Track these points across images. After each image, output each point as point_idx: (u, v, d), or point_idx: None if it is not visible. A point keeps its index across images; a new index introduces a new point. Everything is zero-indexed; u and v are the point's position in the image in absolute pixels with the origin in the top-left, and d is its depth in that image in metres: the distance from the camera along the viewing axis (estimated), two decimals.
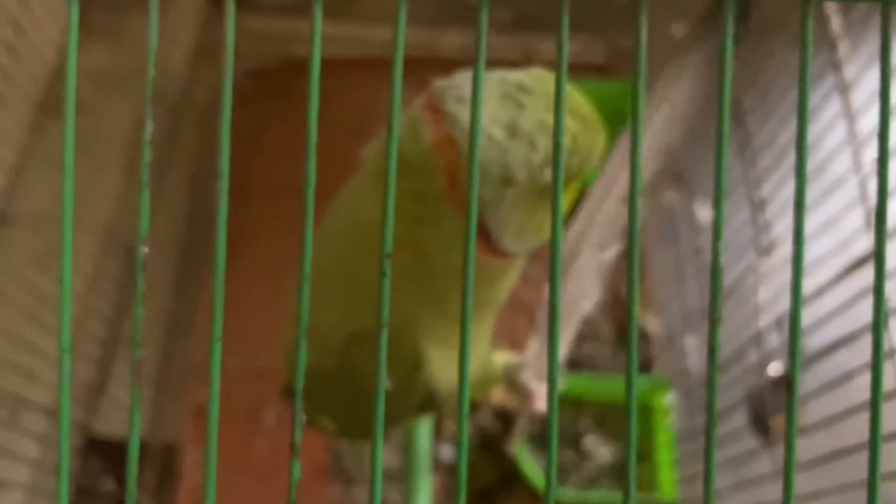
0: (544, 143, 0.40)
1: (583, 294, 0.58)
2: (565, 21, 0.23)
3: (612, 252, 0.56)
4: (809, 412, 0.60)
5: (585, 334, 0.90)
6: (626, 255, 0.26)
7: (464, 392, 0.25)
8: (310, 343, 0.52)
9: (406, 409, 0.54)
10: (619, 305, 0.96)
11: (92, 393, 0.93)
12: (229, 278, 0.99)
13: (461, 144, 0.41)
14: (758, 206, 0.66)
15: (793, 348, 0.24)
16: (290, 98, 1.13)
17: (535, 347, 0.63)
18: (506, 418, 0.92)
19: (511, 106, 0.40)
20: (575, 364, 0.92)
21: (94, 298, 0.94)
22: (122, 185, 1.01)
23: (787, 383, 0.25)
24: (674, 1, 0.68)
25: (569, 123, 0.40)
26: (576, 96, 0.42)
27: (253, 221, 1.05)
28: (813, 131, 0.60)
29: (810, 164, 0.60)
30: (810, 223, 0.60)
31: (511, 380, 0.63)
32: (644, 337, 0.96)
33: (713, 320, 0.22)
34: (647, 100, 0.48)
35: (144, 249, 0.23)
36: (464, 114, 0.40)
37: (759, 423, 0.62)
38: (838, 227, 0.55)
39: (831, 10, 0.60)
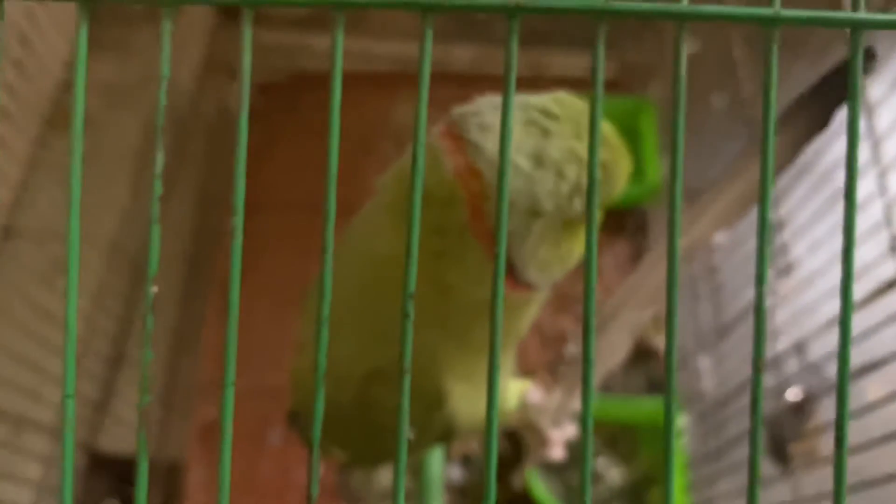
0: (573, 172, 0.39)
1: (612, 350, 0.57)
2: (601, 48, 0.22)
3: (650, 312, 0.55)
4: (827, 442, 0.58)
5: None
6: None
7: (491, 445, 0.24)
8: (326, 376, 0.51)
9: (423, 444, 0.53)
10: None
11: (96, 411, 0.92)
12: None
13: (485, 175, 0.39)
14: (775, 226, 0.64)
15: (842, 357, 0.22)
16: (298, 112, 1.13)
17: (557, 395, 0.61)
18: (516, 442, 0.91)
19: (536, 133, 0.39)
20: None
21: (98, 316, 0.93)
22: (128, 199, 1.00)
23: (836, 397, 0.23)
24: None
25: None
26: (603, 122, 0.41)
27: (259, 237, 1.04)
28: (835, 152, 0.59)
29: (831, 187, 0.59)
30: (832, 246, 0.58)
31: (528, 419, 0.62)
32: (655, 357, 0.95)
33: (757, 368, 0.21)
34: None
35: (154, 289, 0.22)
36: (488, 142, 0.39)
37: (777, 450, 0.60)
38: (861, 252, 0.53)
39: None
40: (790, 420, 0.59)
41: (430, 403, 0.48)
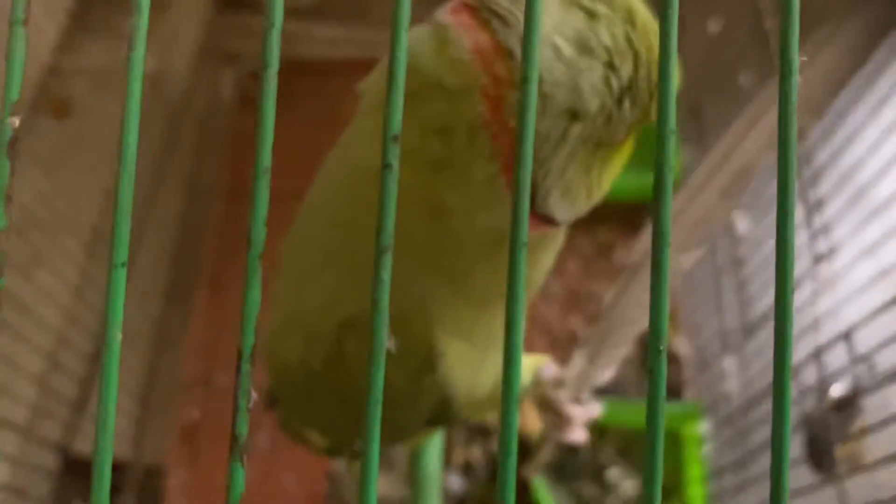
0: (627, 67, 0.31)
1: (647, 305, 0.48)
2: None
3: (690, 258, 0.46)
4: (873, 445, 0.52)
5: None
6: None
7: (511, 409, 0.17)
8: (294, 335, 0.43)
9: (413, 420, 0.43)
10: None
11: (73, 411, 0.86)
12: (223, 288, 0.90)
13: (516, 55, 0.30)
14: (814, 206, 0.58)
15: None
16: (294, 99, 1.07)
17: (578, 362, 0.52)
18: (523, 447, 0.84)
19: (581, 15, 0.31)
20: (604, 389, 0.85)
21: (79, 309, 0.87)
22: (111, 186, 0.94)
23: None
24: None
25: (655, 49, 0.29)
26: (649, 16, 0.32)
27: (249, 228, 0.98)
28: (855, 152, 0.54)
29: (880, 159, 0.53)
30: (881, 224, 0.52)
31: (543, 396, 0.53)
32: (673, 360, 0.88)
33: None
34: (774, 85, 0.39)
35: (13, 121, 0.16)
36: (522, 15, 0.30)
37: (820, 454, 0.54)
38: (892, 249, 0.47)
39: None
40: (835, 419, 0.53)
41: (420, 365, 0.39)
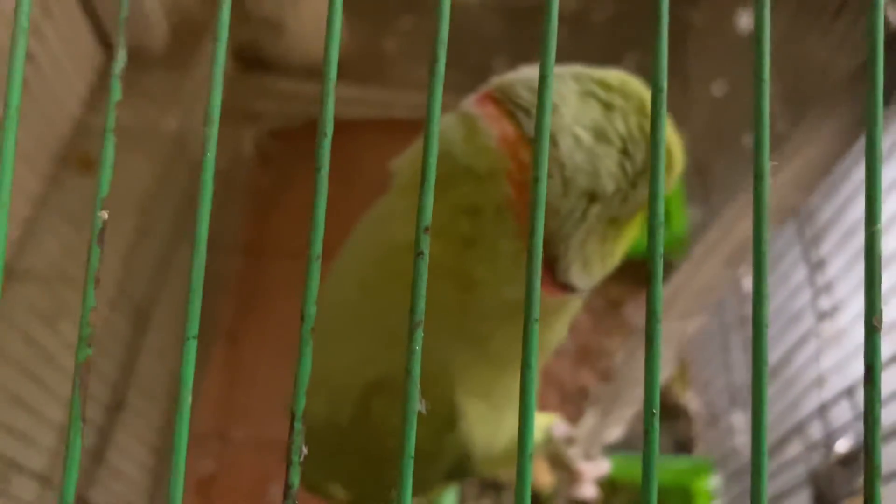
0: (640, 152, 0.34)
1: None
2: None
3: (695, 323, 0.48)
4: (886, 497, 0.53)
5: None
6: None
7: (525, 471, 0.19)
8: (320, 393, 0.45)
9: (433, 474, 0.45)
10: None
11: (91, 460, 0.87)
12: (238, 342, 0.93)
13: None
14: (817, 265, 0.60)
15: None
16: (311, 158, 1.11)
17: (589, 421, 0.54)
18: (534, 501, 0.85)
19: (597, 106, 0.34)
20: (615, 445, 0.86)
21: (98, 358, 0.89)
22: (133, 242, 0.97)
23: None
24: (818, 63, 0.64)
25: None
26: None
27: (267, 283, 1.01)
28: (857, 211, 0.56)
29: (854, 246, 0.55)
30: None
31: (555, 453, 0.54)
32: (684, 415, 0.89)
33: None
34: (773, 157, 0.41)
35: (103, 215, 0.19)
36: None
37: None
38: None
39: None
40: (840, 475, 0.54)
41: (441, 423, 0.41)
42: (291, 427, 0.16)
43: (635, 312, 0.97)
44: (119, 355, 0.91)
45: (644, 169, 0.34)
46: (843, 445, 0.55)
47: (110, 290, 0.92)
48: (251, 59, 1.21)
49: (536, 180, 0.17)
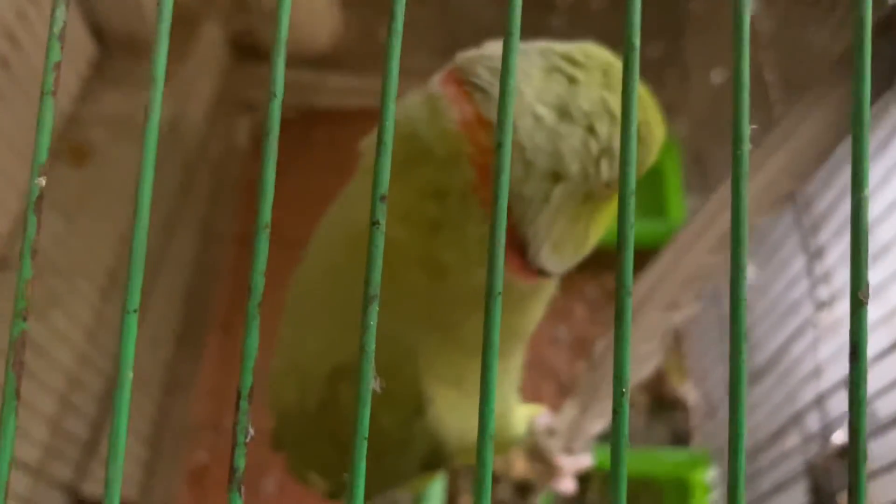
0: (604, 129, 0.33)
1: (641, 359, 0.48)
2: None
3: (682, 314, 0.47)
4: (877, 492, 0.52)
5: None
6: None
7: (485, 449, 0.18)
8: (291, 380, 0.44)
9: (407, 464, 0.44)
10: (654, 373, 0.89)
11: (84, 452, 0.87)
12: (233, 332, 0.92)
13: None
14: (815, 254, 0.59)
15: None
16: (307, 147, 1.10)
17: (570, 412, 0.53)
18: (527, 492, 0.84)
19: (561, 81, 0.33)
20: (603, 435, 0.85)
21: (92, 351, 0.88)
22: (128, 234, 0.96)
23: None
24: (817, 49, 0.63)
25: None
26: (617, 68, 0.34)
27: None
28: (877, 172, 0.55)
29: (877, 207, 0.54)
30: (880, 271, 0.53)
31: (535, 446, 0.53)
32: (681, 407, 0.88)
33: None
34: (763, 145, 0.40)
35: (41, 181, 0.18)
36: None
37: (823, 502, 0.54)
38: None
39: None
40: (838, 467, 0.53)
41: (410, 410, 0.40)
42: (237, 406, 0.15)
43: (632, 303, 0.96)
44: (111, 347, 0.90)
45: (609, 147, 0.33)
46: (840, 437, 0.54)
47: (103, 280, 0.91)
48: (247, 49, 1.20)
49: (499, 146, 0.16)
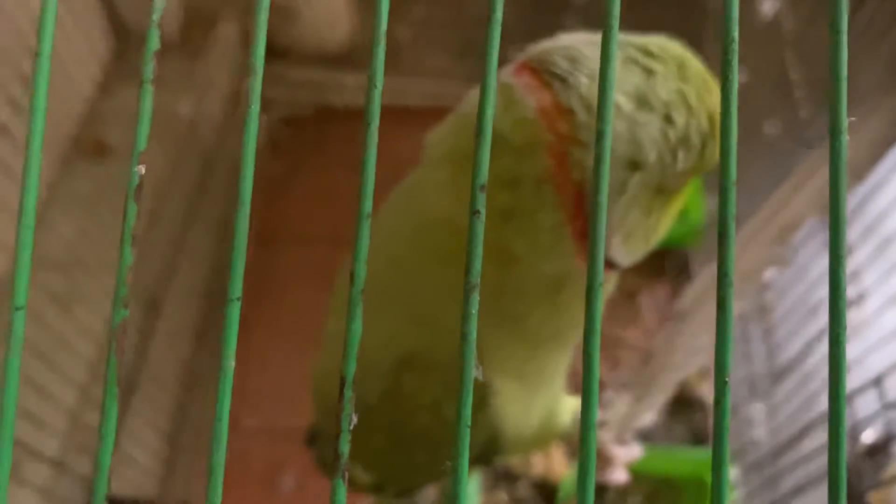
0: (681, 119, 0.33)
1: (694, 351, 0.48)
2: None
3: (740, 307, 0.47)
4: None
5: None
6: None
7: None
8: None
9: None
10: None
11: None
12: (250, 329, 0.92)
13: (577, 114, 0.32)
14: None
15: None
16: (323, 146, 1.10)
17: (623, 405, 0.53)
18: (547, 492, 0.84)
19: (638, 72, 0.33)
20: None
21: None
22: (146, 229, 0.97)
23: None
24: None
25: (706, 100, 0.33)
26: (700, 66, 0.34)
27: (279, 270, 1.00)
28: (881, 201, 0.55)
29: (879, 236, 0.54)
30: None
31: None
32: (699, 407, 0.88)
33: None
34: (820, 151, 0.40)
35: (140, 169, 0.18)
36: (581, 76, 0.32)
37: (853, 501, 0.54)
38: None
39: None
40: (867, 466, 0.53)
41: (474, 401, 0.40)
42: (341, 394, 0.15)
43: (649, 304, 0.96)
44: (131, 339, 0.91)
45: (685, 136, 0.33)
46: (869, 436, 0.54)
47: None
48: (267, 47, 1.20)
49: (601, 134, 0.16)
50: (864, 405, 0.55)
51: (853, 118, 0.17)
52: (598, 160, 0.16)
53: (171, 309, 0.96)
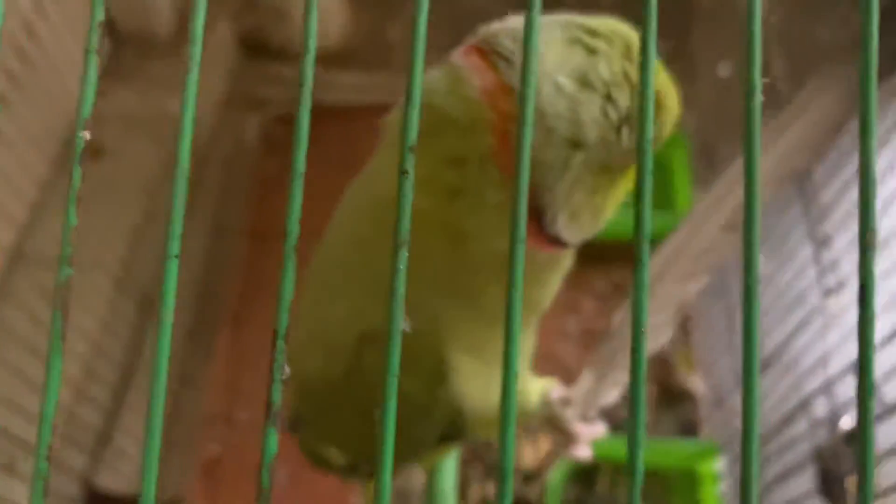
0: (624, 98, 0.33)
1: (654, 329, 0.49)
2: None
3: (696, 286, 0.48)
4: (884, 475, 0.53)
5: (623, 395, 0.83)
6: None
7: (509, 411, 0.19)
8: (316, 350, 0.45)
9: (426, 434, 0.45)
10: (662, 365, 0.90)
11: (98, 442, 0.88)
12: (243, 325, 0.93)
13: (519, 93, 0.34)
14: (822, 242, 0.60)
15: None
16: (318, 144, 1.11)
17: (587, 381, 0.54)
18: (536, 482, 0.85)
19: (582, 52, 0.33)
20: (612, 427, 0.85)
21: (106, 341, 0.90)
22: (141, 227, 0.98)
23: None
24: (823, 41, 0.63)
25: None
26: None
27: (272, 267, 1.01)
28: (886, 157, 0.55)
29: (882, 194, 0.55)
30: (887, 258, 0.54)
31: (550, 415, 0.54)
32: (689, 398, 0.89)
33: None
34: (774, 121, 0.41)
35: (85, 135, 0.19)
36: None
37: (831, 486, 0.55)
38: None
39: None
40: (845, 450, 0.54)
41: (433, 377, 0.41)
42: (273, 345, 0.16)
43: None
44: (125, 338, 0.91)
45: (629, 115, 0.34)
46: (848, 422, 0.54)
47: (117, 272, 0.93)
48: (257, 46, 1.21)
49: (524, 98, 0.17)
50: (843, 392, 0.55)
51: (766, 79, 0.17)
52: (522, 122, 0.17)
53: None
